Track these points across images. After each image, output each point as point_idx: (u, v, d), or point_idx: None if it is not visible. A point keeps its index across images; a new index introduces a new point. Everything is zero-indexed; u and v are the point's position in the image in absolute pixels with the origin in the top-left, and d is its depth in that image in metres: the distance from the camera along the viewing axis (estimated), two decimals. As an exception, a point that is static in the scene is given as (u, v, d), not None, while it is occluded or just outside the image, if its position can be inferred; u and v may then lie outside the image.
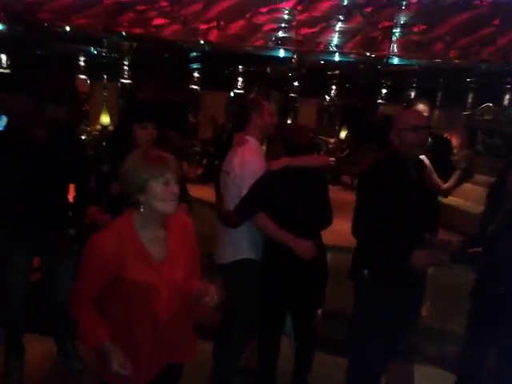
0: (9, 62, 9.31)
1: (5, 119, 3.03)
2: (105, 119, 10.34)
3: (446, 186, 3.69)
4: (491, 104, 9.31)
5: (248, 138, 2.99)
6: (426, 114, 4.04)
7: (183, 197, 3.02)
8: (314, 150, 3.04)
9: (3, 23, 7.23)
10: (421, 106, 4.22)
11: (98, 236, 1.81)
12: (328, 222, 3.10)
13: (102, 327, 1.81)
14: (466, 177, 3.95)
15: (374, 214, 2.64)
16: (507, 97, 9.28)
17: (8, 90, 2.83)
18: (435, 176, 3.65)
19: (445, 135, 5.05)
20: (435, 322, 4.35)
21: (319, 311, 3.57)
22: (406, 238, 2.61)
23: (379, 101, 12.29)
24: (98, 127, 10.37)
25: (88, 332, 1.81)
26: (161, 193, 1.80)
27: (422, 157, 3.00)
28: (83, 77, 10.07)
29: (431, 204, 3.06)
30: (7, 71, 9.19)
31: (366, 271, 2.78)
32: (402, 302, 2.76)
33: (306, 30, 7.09)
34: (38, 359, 3.21)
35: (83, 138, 9.67)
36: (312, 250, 2.83)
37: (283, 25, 7.08)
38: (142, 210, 1.84)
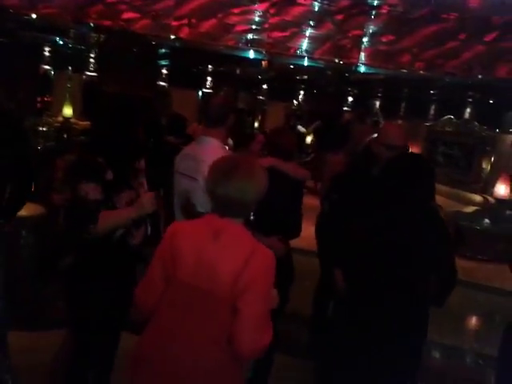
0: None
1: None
2: (67, 111, 10.04)
3: None
4: (452, 116, 9.57)
5: (210, 139, 2.79)
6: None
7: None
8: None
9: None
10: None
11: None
12: (296, 231, 3.07)
13: None
14: None
15: None
16: (468, 110, 9.53)
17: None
18: None
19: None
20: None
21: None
22: None
23: (345, 108, 12.45)
24: (60, 119, 10.07)
25: None
26: None
27: None
28: (47, 67, 9.80)
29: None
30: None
31: None
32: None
33: (277, 34, 7.12)
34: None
35: (44, 129, 9.39)
36: (281, 247, 2.81)
37: (255, 27, 7.07)
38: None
